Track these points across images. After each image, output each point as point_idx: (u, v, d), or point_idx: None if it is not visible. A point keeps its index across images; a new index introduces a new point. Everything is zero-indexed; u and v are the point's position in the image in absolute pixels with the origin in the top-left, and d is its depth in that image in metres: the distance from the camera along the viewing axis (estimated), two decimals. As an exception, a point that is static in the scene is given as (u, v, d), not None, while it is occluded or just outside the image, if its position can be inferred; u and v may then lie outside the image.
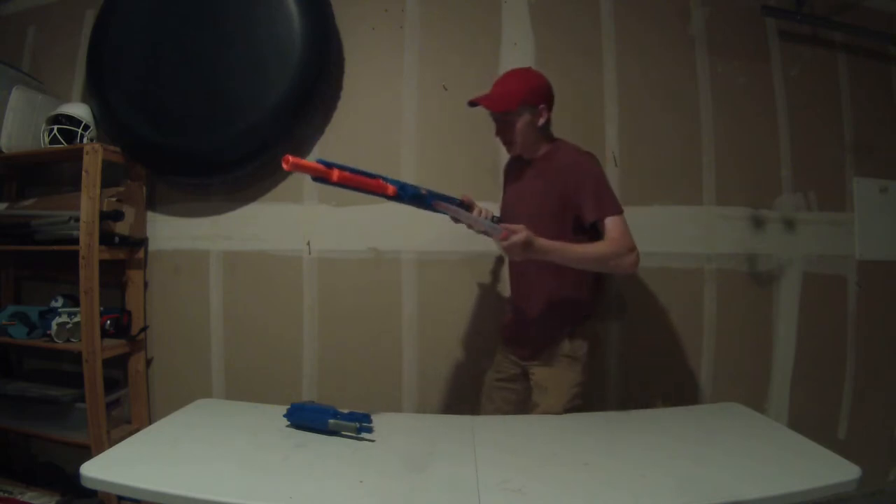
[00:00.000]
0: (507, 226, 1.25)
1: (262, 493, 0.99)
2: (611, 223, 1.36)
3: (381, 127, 1.99)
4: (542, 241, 1.26)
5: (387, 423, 1.31)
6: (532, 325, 1.54)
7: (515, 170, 1.60)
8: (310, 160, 1.95)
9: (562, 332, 1.50)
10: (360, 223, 1.98)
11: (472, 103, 1.46)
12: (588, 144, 1.97)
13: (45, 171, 2.17)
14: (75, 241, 1.78)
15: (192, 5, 1.88)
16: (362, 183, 1.23)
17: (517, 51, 1.99)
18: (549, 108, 1.50)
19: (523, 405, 1.59)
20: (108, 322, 1.90)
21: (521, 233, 1.22)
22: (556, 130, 1.98)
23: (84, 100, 2.06)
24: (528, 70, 1.56)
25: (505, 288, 1.95)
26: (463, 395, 1.90)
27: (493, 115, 1.50)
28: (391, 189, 1.26)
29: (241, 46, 1.85)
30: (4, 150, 1.90)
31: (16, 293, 2.20)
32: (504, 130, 1.50)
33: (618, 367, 1.98)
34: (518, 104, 1.45)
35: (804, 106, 2.06)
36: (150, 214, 2.05)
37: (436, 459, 1.15)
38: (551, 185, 1.45)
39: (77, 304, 1.83)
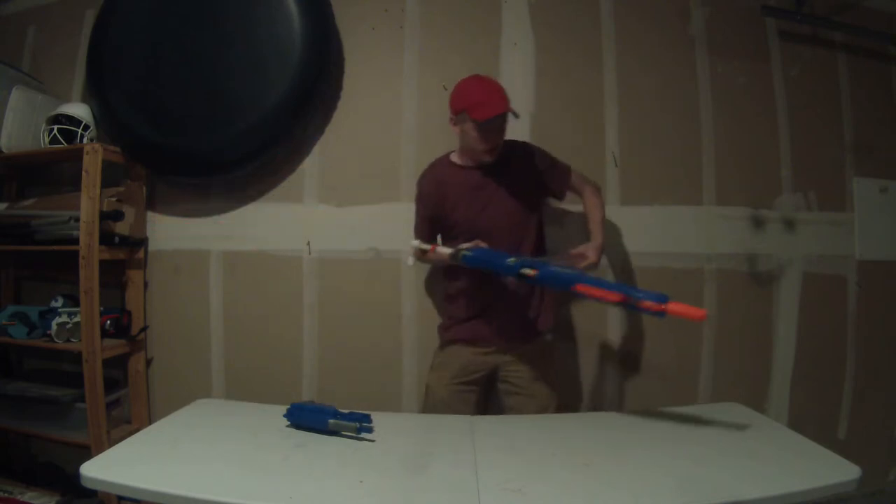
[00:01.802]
0: (580, 253, 1.39)
1: (262, 493, 1.00)
2: (577, 179, 1.64)
3: (381, 127, 1.99)
4: (598, 241, 1.46)
5: (387, 423, 1.31)
6: (522, 316, 1.62)
7: (460, 181, 1.58)
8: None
9: (546, 319, 1.64)
10: (360, 223, 1.98)
11: (504, 114, 1.46)
12: (588, 144, 1.99)
13: (45, 171, 2.17)
14: (75, 241, 1.78)
15: (192, 5, 1.88)
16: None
17: (517, 51, 1.99)
18: None
19: (483, 406, 1.66)
20: (108, 322, 1.90)
21: (591, 254, 1.39)
22: (557, 130, 2.00)
23: (84, 100, 2.06)
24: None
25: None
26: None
27: (494, 122, 1.49)
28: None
29: (241, 46, 1.85)
30: (4, 150, 1.89)
31: (16, 293, 2.20)
32: (498, 135, 1.52)
33: (618, 367, 1.98)
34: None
35: (804, 106, 2.06)
36: (150, 214, 2.05)
37: (436, 459, 1.15)
38: (521, 176, 1.57)
39: (77, 304, 1.83)
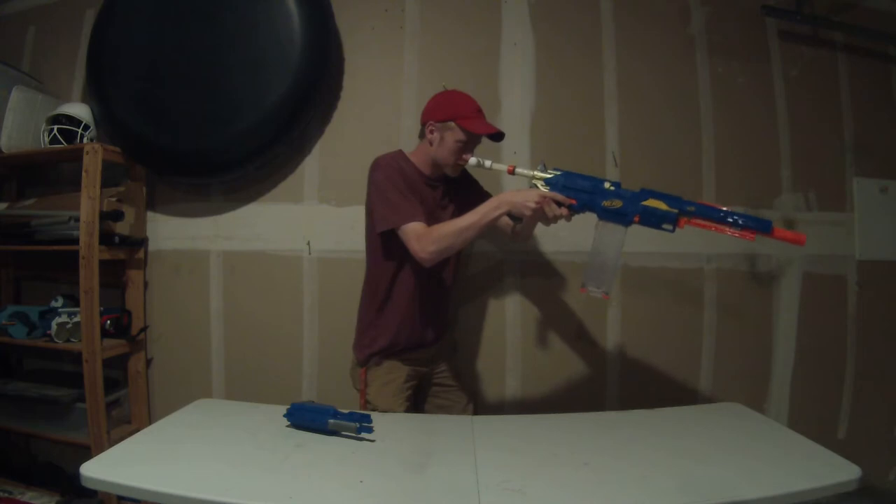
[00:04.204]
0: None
1: (262, 493, 0.99)
2: None
3: (382, 127, 1.99)
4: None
5: (387, 423, 1.31)
6: (442, 320, 1.65)
7: (421, 188, 1.51)
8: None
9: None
10: (361, 223, 1.97)
11: (494, 134, 1.48)
12: (588, 144, 1.99)
13: (45, 171, 2.17)
14: (75, 241, 1.78)
15: (192, 5, 1.88)
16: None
17: (517, 51, 1.99)
18: None
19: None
20: (108, 322, 1.90)
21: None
22: (557, 130, 2.00)
23: (84, 100, 2.06)
24: None
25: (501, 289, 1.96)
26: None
27: (479, 138, 1.50)
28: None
29: (241, 46, 1.84)
30: (4, 150, 1.90)
31: (16, 293, 2.20)
32: (472, 153, 1.49)
33: (617, 367, 1.98)
34: None
35: (804, 106, 2.06)
36: (150, 214, 2.05)
37: (436, 459, 1.15)
38: (464, 200, 1.53)
39: (77, 304, 1.83)
